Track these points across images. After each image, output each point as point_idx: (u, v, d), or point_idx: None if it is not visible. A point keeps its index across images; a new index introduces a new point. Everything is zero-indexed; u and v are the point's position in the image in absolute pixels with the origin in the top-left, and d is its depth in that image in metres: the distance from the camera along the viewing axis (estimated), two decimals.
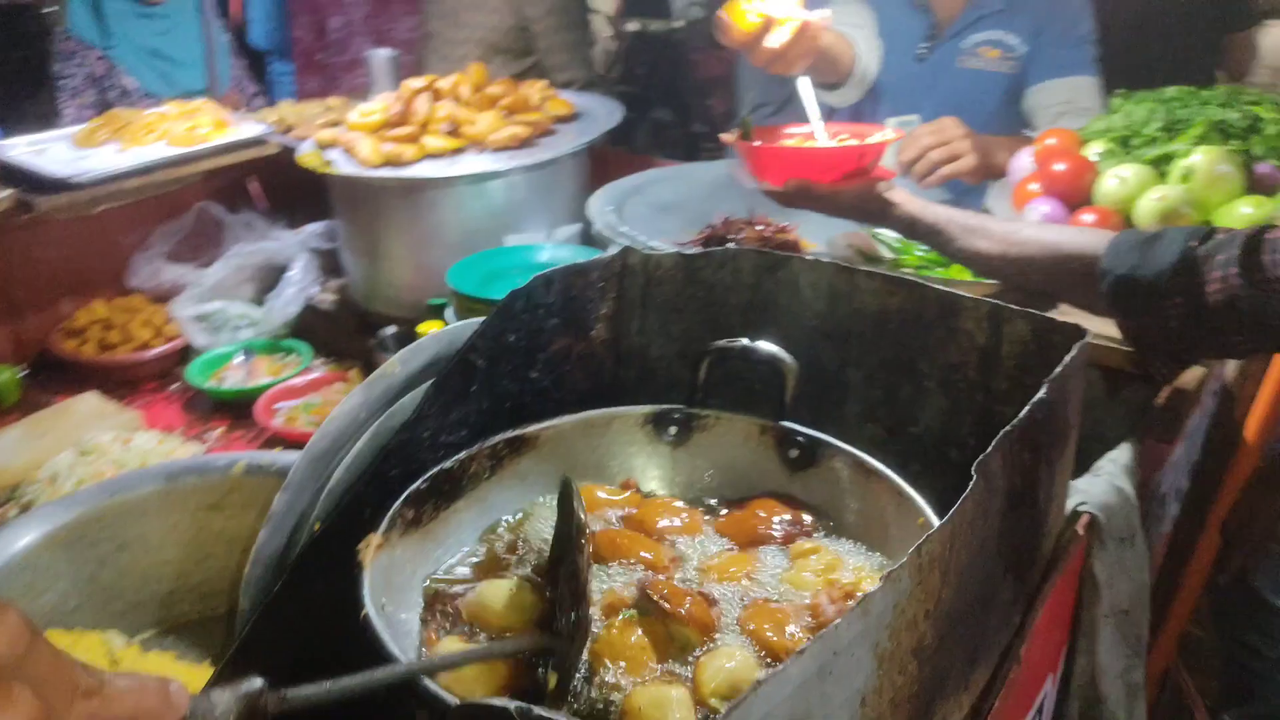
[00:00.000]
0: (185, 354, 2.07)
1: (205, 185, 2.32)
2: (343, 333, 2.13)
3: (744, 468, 1.03)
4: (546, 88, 2.28)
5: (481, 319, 1.00)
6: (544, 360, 1.07)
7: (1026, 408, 0.71)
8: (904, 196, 1.30)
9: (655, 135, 4.43)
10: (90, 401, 1.82)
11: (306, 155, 2.07)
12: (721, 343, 1.02)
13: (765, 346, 1.00)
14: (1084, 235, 1.15)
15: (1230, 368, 1.23)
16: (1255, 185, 1.30)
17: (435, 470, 0.92)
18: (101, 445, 1.64)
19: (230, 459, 1.31)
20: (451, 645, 0.81)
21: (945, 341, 0.96)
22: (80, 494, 1.26)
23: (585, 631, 0.75)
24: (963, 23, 2.05)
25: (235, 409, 1.90)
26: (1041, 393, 0.73)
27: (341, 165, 2.01)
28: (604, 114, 2.22)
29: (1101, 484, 0.92)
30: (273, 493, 1.29)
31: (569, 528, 0.80)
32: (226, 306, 2.13)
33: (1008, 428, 0.70)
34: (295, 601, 0.84)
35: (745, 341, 1.01)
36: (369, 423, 0.92)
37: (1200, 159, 1.28)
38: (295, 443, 1.71)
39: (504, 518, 0.98)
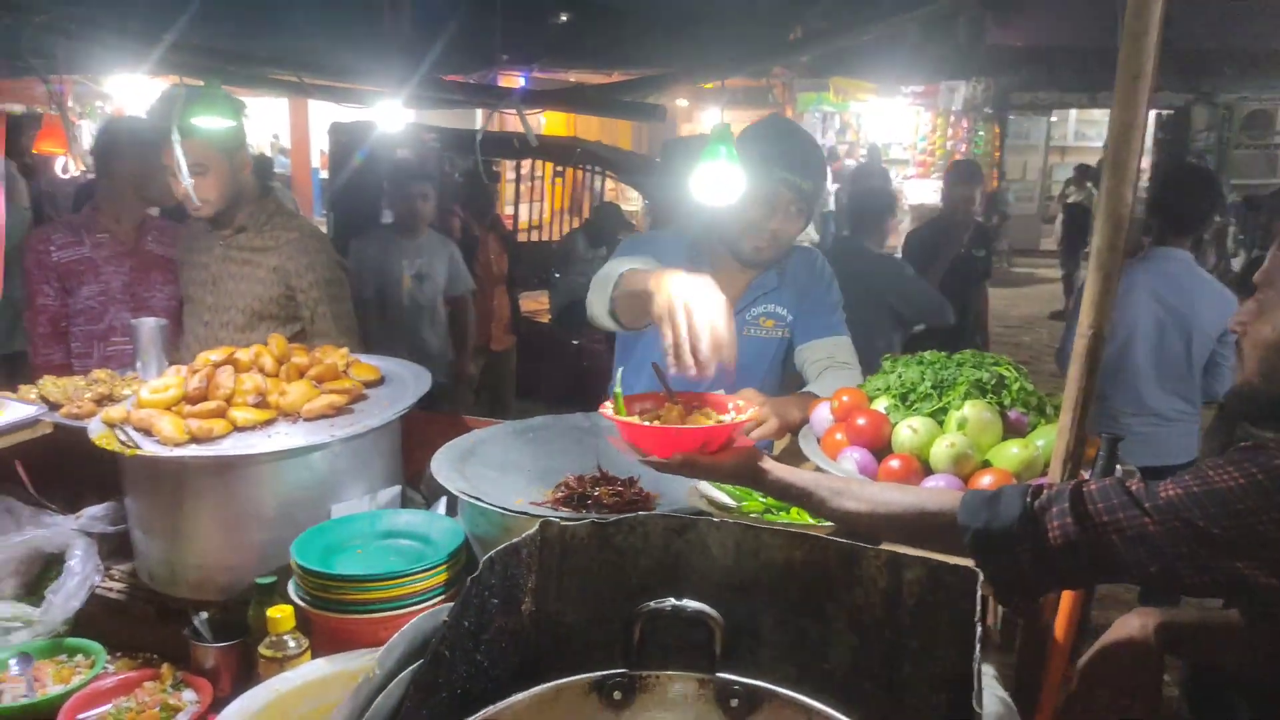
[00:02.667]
0: None
1: None
2: (136, 623, 1.96)
3: None
4: (347, 354, 2.34)
5: (442, 608, 1.04)
6: (485, 641, 1.11)
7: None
8: (775, 465, 1.50)
9: None
10: None
11: (101, 437, 1.96)
12: (652, 605, 1.12)
13: (693, 605, 1.11)
14: (937, 495, 1.40)
15: None
16: (1009, 429, 1.65)
17: None
18: None
19: None
20: None
21: (849, 586, 1.13)
22: None
23: None
24: (745, 300, 2.39)
25: None
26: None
27: (144, 445, 1.93)
28: (411, 377, 2.30)
29: (990, 698, 1.11)
30: None
31: None
32: None
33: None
34: None
35: (674, 601, 1.12)
36: None
37: (970, 411, 1.61)
38: None
39: None
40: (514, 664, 1.17)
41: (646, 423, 1.53)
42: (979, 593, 1.01)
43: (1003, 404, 1.68)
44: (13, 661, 1.78)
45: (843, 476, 1.47)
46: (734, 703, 1.10)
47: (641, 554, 1.24)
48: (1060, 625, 1.42)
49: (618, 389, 1.56)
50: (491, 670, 1.13)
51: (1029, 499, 1.28)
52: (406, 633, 1.00)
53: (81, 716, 1.64)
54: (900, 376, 1.77)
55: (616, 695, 1.11)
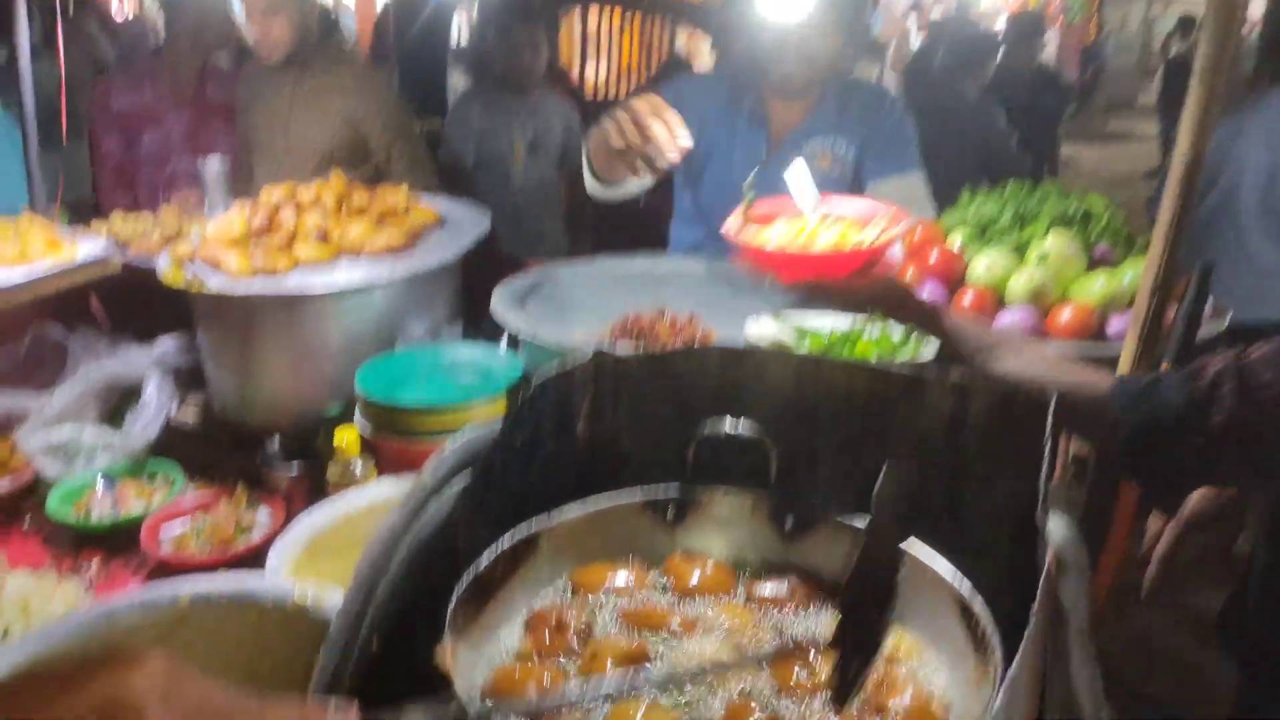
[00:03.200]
0: (34, 486, 1.89)
1: (38, 306, 2.16)
2: (212, 449, 2.03)
3: (743, 540, 1.11)
4: (408, 194, 2.31)
5: (493, 422, 1.03)
6: (540, 459, 1.11)
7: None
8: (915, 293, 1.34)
9: None
10: None
11: (169, 274, 1.99)
12: (708, 428, 1.10)
13: (748, 428, 1.09)
14: (1083, 375, 1.24)
15: None
16: (1095, 264, 1.56)
17: (472, 576, 0.94)
18: None
19: (172, 591, 1.24)
20: None
21: (913, 414, 1.09)
22: (6, 651, 1.14)
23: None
24: (798, 135, 2.29)
25: (104, 541, 1.76)
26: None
27: (210, 281, 1.95)
28: (470, 219, 2.27)
29: (1056, 527, 1.07)
30: (224, 621, 1.24)
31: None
32: (80, 432, 1.97)
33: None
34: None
35: (730, 425, 1.10)
36: (405, 536, 0.93)
37: (1053, 243, 1.53)
38: (191, 570, 1.61)
39: (528, 603, 1.01)
40: (568, 484, 1.17)
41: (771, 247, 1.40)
42: (1050, 418, 0.97)
43: (1089, 238, 1.58)
44: (99, 482, 1.86)
45: (993, 331, 1.32)
46: (788, 523, 1.09)
47: (698, 382, 1.22)
48: None
49: (748, 198, 1.46)
50: (545, 489, 1.13)
51: (1192, 382, 1.13)
52: (458, 446, 1.00)
53: (164, 529, 1.72)
54: (979, 210, 1.68)
55: (670, 513, 1.11)
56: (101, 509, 1.81)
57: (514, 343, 1.94)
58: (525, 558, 1.01)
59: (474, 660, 0.90)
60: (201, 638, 1.23)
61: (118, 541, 1.75)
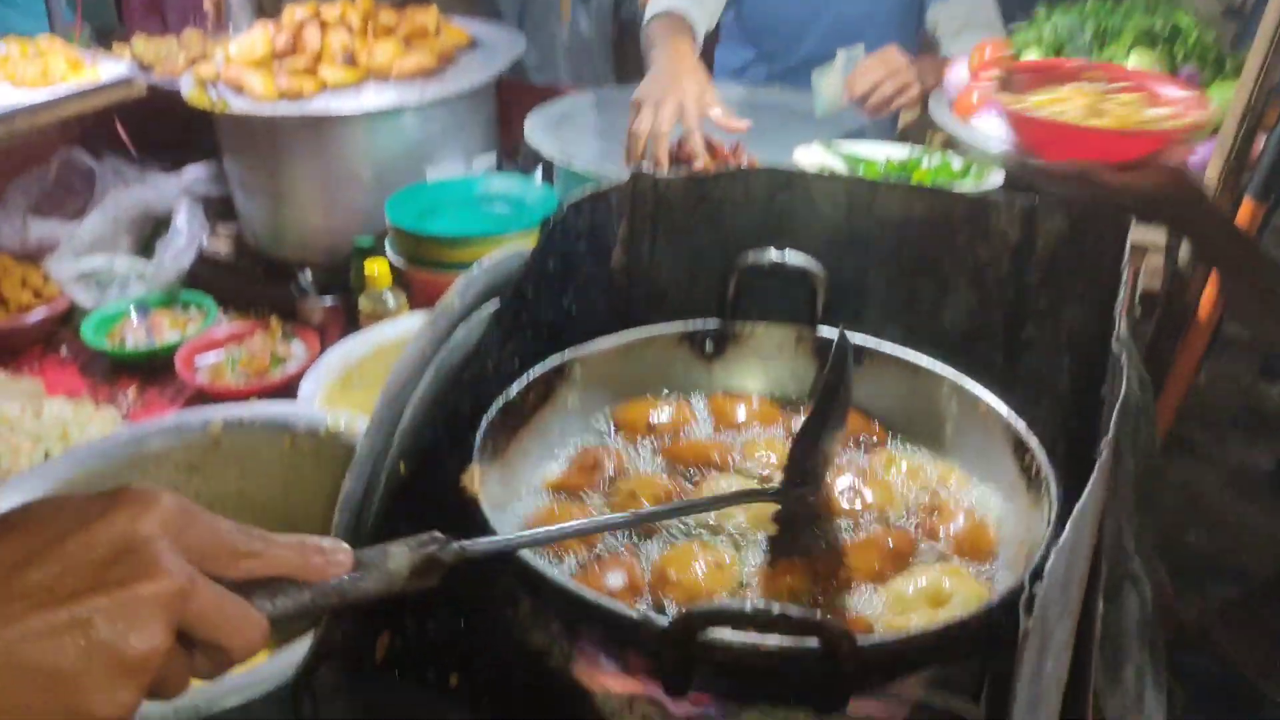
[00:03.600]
0: (69, 315, 1.89)
1: (63, 131, 2.10)
2: (244, 281, 2.00)
3: (784, 376, 1.05)
4: (437, 14, 2.18)
5: (522, 247, 0.97)
6: (575, 287, 1.06)
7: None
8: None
9: None
10: None
11: (195, 95, 1.91)
12: (752, 257, 1.03)
13: (796, 258, 1.02)
14: None
15: (1185, 254, 1.36)
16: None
17: (503, 402, 0.90)
18: (11, 419, 1.49)
19: (205, 416, 1.23)
20: None
21: (974, 242, 1.01)
22: (44, 468, 1.15)
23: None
24: None
25: (139, 369, 1.76)
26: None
27: (235, 103, 1.87)
28: (504, 42, 2.15)
29: (1131, 356, 1.01)
30: (256, 448, 1.23)
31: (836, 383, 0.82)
32: (112, 262, 1.95)
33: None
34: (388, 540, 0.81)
35: (775, 254, 1.02)
36: (433, 359, 0.88)
37: (1135, 63, 1.39)
38: (226, 399, 1.61)
39: (564, 441, 0.97)
40: (604, 313, 1.12)
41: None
42: (1128, 241, 0.88)
43: (1175, 57, 1.44)
44: (133, 310, 1.85)
45: None
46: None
47: (742, 208, 1.14)
48: (1206, 302, 1.28)
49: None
50: (580, 318, 1.08)
51: None
52: (488, 268, 0.94)
53: (199, 359, 1.71)
54: (1054, 26, 1.53)
55: (708, 346, 1.06)
56: (136, 337, 1.80)
57: (549, 175, 1.86)
58: (557, 388, 0.97)
59: (503, 495, 0.87)
60: (234, 464, 1.23)
61: (153, 371, 1.75)
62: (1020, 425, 0.87)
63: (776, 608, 0.57)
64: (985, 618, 0.64)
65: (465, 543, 0.63)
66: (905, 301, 1.08)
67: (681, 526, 0.85)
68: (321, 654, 0.79)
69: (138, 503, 0.52)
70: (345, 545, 0.58)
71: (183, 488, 1.21)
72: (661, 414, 1.00)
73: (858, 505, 0.87)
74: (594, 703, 0.77)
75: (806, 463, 0.82)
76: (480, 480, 0.80)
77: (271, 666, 0.87)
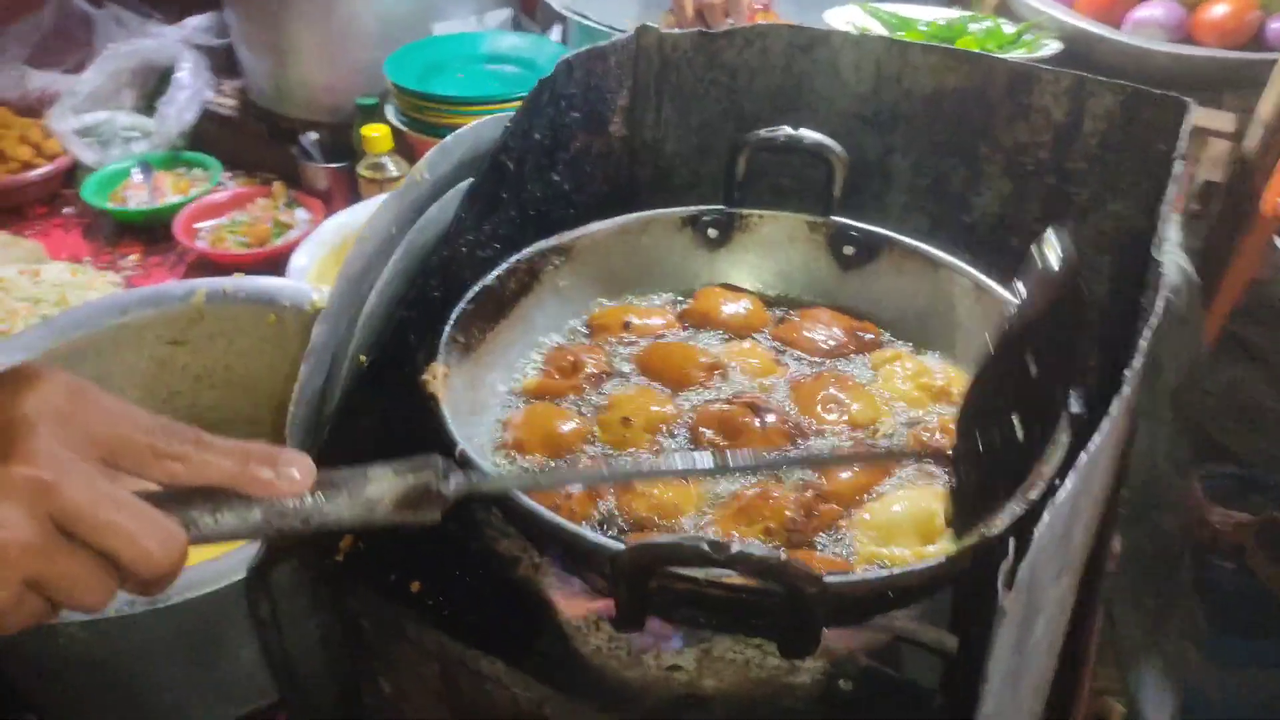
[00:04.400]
0: (72, 173, 1.83)
1: None
2: (249, 141, 1.91)
3: (792, 269, 0.97)
4: None
5: (504, 115, 0.87)
6: (565, 160, 0.96)
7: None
8: None
9: None
10: None
11: None
12: (763, 132, 0.93)
13: (812, 135, 0.92)
14: None
15: (1253, 140, 1.22)
16: None
17: (479, 288, 0.83)
18: (7, 281, 1.45)
19: (187, 288, 1.17)
20: None
21: (1014, 120, 0.90)
22: (23, 336, 1.11)
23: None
24: None
25: (143, 232, 1.71)
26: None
27: None
28: None
29: (1170, 266, 0.91)
30: (241, 323, 1.18)
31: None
32: (113, 117, 1.87)
33: None
34: (346, 442, 0.76)
35: (789, 130, 0.92)
36: (399, 238, 0.81)
37: None
38: (226, 266, 1.56)
39: (547, 338, 0.90)
40: (601, 192, 1.03)
41: None
42: (1187, 126, 0.77)
43: None
44: (135, 170, 1.78)
45: None
46: (848, 249, 0.94)
47: (757, 74, 1.03)
48: (1272, 192, 1.15)
49: None
50: (574, 195, 0.99)
51: None
52: (464, 136, 0.85)
53: (198, 225, 1.66)
54: None
55: (712, 233, 0.97)
56: (139, 198, 1.74)
57: (567, 37, 1.72)
58: (539, 277, 0.89)
59: (471, 399, 0.80)
60: (219, 339, 1.18)
61: (155, 235, 1.69)
62: None
63: (736, 545, 0.51)
64: (970, 558, 0.57)
65: (477, 476, 0.55)
66: (933, 188, 0.98)
67: (666, 437, 0.79)
68: (277, 552, 0.75)
69: (23, 381, 0.46)
70: (306, 460, 0.50)
71: (168, 361, 1.17)
72: (643, 315, 0.91)
73: (839, 417, 0.79)
74: (558, 619, 0.72)
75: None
76: (444, 379, 0.74)
77: (231, 561, 0.83)
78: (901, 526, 0.66)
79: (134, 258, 1.66)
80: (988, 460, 0.53)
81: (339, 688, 0.85)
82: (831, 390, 0.81)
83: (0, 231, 1.60)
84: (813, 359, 0.88)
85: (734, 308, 0.91)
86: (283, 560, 0.75)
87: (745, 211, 0.96)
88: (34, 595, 0.45)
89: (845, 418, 0.79)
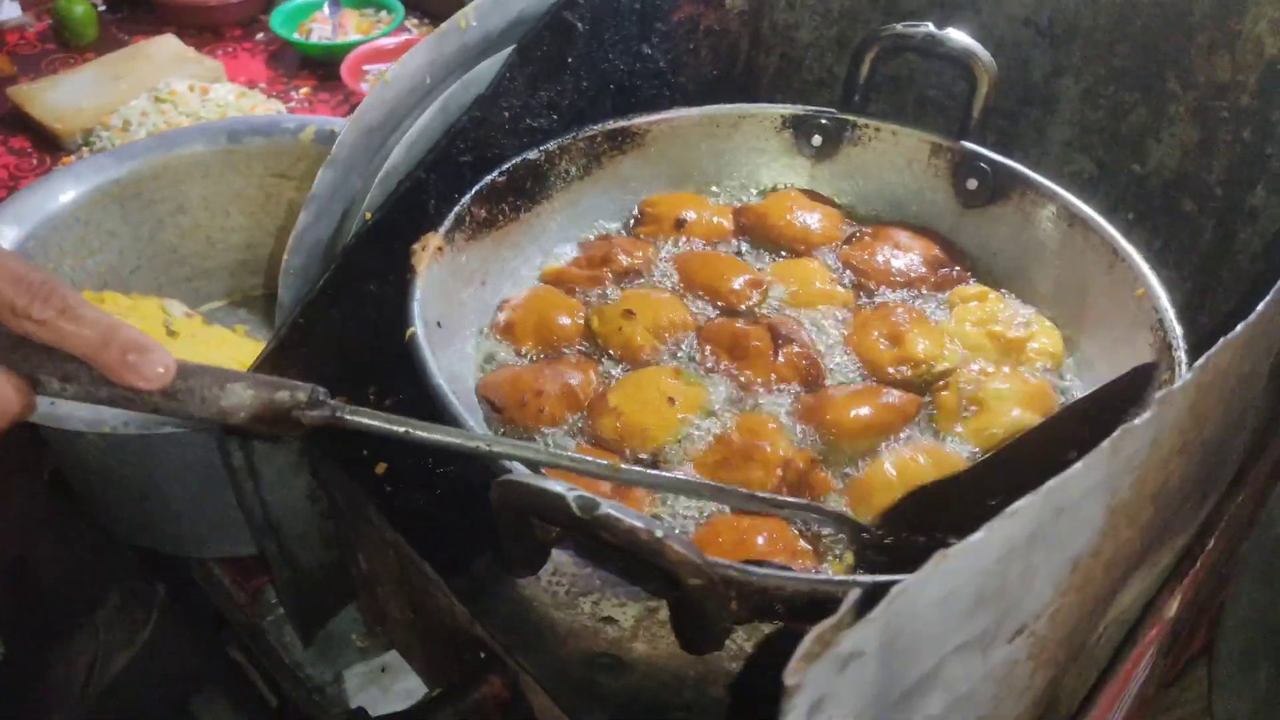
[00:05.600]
0: (271, 0, 1.86)
1: None
2: None
3: (902, 196, 0.81)
4: None
5: None
6: (663, 32, 0.84)
7: None
8: None
9: None
10: (169, 45, 1.65)
11: None
12: (899, 27, 0.77)
13: (957, 37, 0.75)
14: None
15: None
16: None
17: (516, 160, 0.74)
18: (178, 94, 1.50)
19: (300, 122, 1.15)
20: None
21: (1215, 51, 0.69)
22: (133, 146, 1.12)
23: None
24: None
25: (323, 67, 1.72)
26: None
27: None
28: None
29: None
30: (264, 157, 1.14)
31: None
32: None
33: None
34: (341, 302, 0.70)
35: (931, 28, 0.75)
36: (436, 91, 0.73)
37: None
38: None
39: (598, 226, 0.80)
40: (708, 77, 0.91)
41: None
42: None
43: None
44: (326, 4, 1.79)
45: None
46: (972, 183, 0.78)
47: None
48: None
49: None
50: (671, 76, 0.87)
51: None
52: None
53: (367, 68, 1.65)
54: None
55: (816, 140, 0.82)
56: (322, 32, 1.75)
57: None
58: (600, 161, 0.79)
59: (487, 273, 0.72)
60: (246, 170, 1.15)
61: (331, 71, 1.69)
62: (1175, 331, 0.60)
63: (604, 507, 0.40)
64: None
65: (344, 410, 0.52)
66: (1104, 126, 0.79)
67: (671, 350, 0.68)
68: None
69: None
70: (168, 358, 0.49)
71: (275, 193, 1.17)
72: (707, 214, 0.79)
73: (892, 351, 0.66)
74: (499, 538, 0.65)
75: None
76: (434, 253, 0.66)
77: None
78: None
79: (305, 90, 1.68)
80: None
81: (328, 556, 0.83)
82: (896, 319, 0.68)
83: (188, 47, 1.65)
84: (877, 289, 0.73)
85: (804, 217, 0.77)
86: None
87: (860, 120, 0.81)
88: None
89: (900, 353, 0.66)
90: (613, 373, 0.66)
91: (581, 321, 0.69)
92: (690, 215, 0.77)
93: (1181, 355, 0.59)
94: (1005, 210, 0.76)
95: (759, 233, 0.77)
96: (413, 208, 0.71)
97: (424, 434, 0.51)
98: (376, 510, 0.69)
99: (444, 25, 0.71)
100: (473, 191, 0.71)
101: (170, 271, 1.16)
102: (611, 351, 0.68)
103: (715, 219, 0.78)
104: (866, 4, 0.88)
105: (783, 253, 0.77)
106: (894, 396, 0.62)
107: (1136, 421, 0.32)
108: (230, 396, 0.50)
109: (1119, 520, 0.37)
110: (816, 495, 0.58)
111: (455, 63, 0.73)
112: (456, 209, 0.69)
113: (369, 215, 0.70)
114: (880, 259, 0.73)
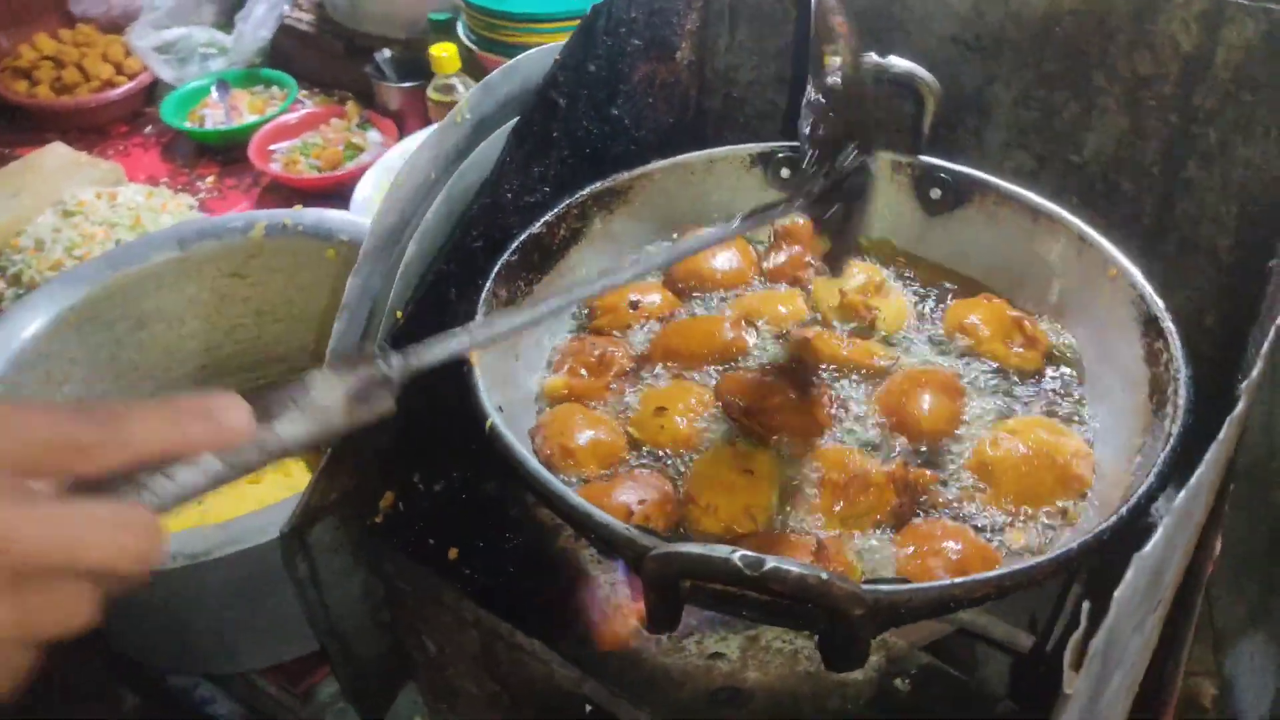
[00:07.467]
0: (153, 91, 1.82)
1: None
2: (327, 59, 1.87)
3: (871, 214, 0.87)
4: None
5: (555, 46, 0.80)
6: (625, 92, 0.89)
7: None
8: None
9: None
10: (59, 153, 1.59)
11: None
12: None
13: (899, 63, 0.82)
14: None
15: None
16: None
17: (524, 237, 0.77)
18: (85, 203, 1.45)
19: (247, 220, 1.15)
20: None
21: (1136, 49, 0.78)
22: (82, 269, 1.10)
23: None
24: None
25: (219, 152, 1.70)
26: None
27: None
28: None
29: None
30: (300, 257, 1.15)
31: None
32: (190, 33, 1.85)
33: None
34: None
35: (875, 57, 0.82)
36: (440, 183, 0.75)
37: None
38: (300, 190, 1.54)
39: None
40: (664, 126, 0.96)
41: None
42: None
43: None
44: (214, 88, 1.76)
45: None
46: (935, 192, 0.85)
47: None
48: None
49: None
50: (634, 131, 0.92)
51: None
52: (512, 71, 0.79)
53: (273, 147, 1.63)
54: None
55: (785, 172, 0.88)
56: (216, 117, 1.72)
57: None
58: (591, 222, 0.83)
59: (520, 349, 0.76)
60: (280, 273, 1.16)
61: (232, 155, 1.68)
62: (1157, 303, 0.69)
63: (770, 562, 0.45)
64: (1050, 570, 0.50)
65: (412, 350, 0.50)
66: (1039, 125, 0.87)
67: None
68: (315, 510, 0.72)
69: None
70: (235, 398, 0.44)
71: (229, 294, 1.16)
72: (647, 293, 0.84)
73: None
74: (596, 598, 0.68)
75: None
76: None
77: (274, 514, 0.82)
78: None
79: (210, 179, 1.66)
80: None
81: (384, 644, 0.84)
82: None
83: (82, 152, 1.61)
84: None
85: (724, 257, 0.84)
86: (321, 519, 0.73)
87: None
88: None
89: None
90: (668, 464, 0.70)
91: (616, 437, 0.71)
92: (635, 296, 0.81)
93: (1169, 325, 0.67)
94: (969, 213, 0.83)
95: (697, 282, 0.83)
96: (437, 299, 0.74)
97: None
98: (456, 594, 0.71)
99: (443, 122, 0.74)
100: (493, 274, 0.74)
101: (136, 389, 1.13)
102: (661, 451, 0.71)
103: (653, 296, 0.82)
104: (799, 41, 0.95)
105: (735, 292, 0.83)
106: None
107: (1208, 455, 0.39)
108: (320, 390, 0.46)
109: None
110: (924, 489, 0.64)
111: (455, 153, 0.76)
112: (484, 294, 0.72)
113: (399, 314, 0.73)
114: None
